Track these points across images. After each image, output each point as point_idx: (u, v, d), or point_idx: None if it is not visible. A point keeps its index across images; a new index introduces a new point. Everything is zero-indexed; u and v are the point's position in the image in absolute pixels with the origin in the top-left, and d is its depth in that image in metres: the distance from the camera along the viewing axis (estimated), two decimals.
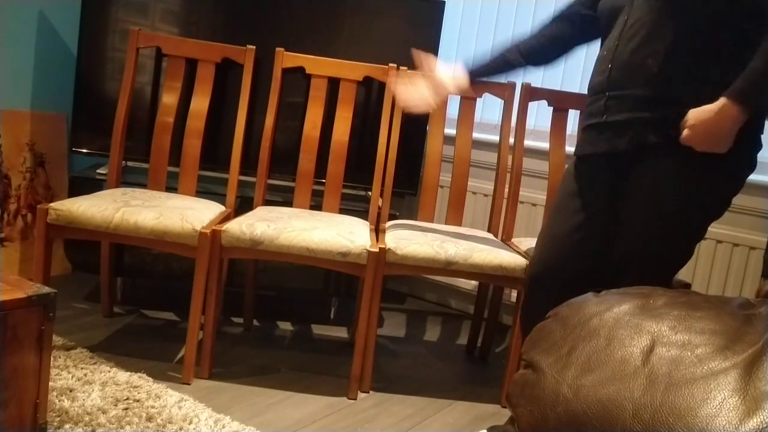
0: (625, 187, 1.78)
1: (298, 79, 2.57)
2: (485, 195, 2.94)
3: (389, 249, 2.13)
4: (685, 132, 1.62)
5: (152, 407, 1.89)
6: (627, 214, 1.77)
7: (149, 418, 1.83)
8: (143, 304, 2.73)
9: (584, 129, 1.90)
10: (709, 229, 2.50)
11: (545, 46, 2.02)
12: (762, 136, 1.71)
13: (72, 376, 2.00)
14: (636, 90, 1.71)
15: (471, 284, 2.98)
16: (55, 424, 1.74)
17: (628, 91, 1.73)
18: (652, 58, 1.67)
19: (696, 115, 1.60)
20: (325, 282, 2.69)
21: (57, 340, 2.23)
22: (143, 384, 2.02)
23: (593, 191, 1.86)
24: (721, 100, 1.56)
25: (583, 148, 1.89)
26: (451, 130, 2.68)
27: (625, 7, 1.77)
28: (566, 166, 1.99)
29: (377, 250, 2.11)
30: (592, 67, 1.91)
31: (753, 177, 2.46)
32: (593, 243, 1.86)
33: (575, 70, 2.84)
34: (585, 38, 2.03)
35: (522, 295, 2.08)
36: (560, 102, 2.60)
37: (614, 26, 1.81)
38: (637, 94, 1.71)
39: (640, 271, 1.73)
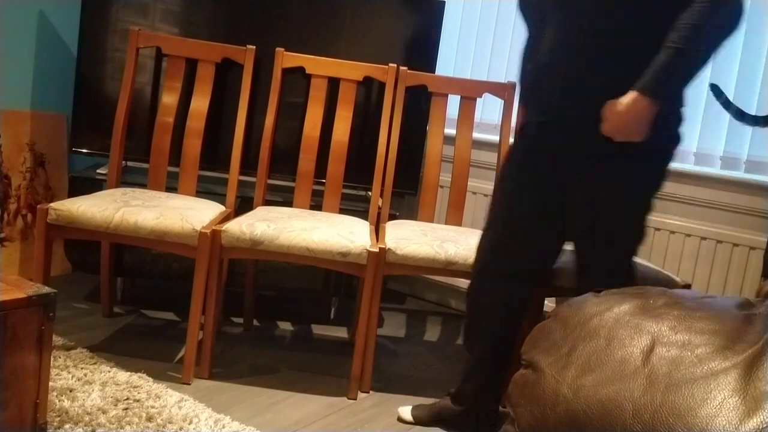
0: (569, 180, 1.81)
1: (298, 79, 2.57)
2: (485, 195, 2.94)
3: (389, 249, 2.13)
4: (604, 124, 1.69)
5: (152, 407, 1.89)
6: (575, 204, 1.81)
7: (149, 418, 1.83)
8: (143, 304, 2.72)
9: (525, 125, 1.93)
10: (708, 229, 2.51)
11: None
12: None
13: (72, 376, 2.00)
14: (561, 91, 1.77)
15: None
16: (55, 424, 1.74)
17: (555, 94, 1.78)
18: (574, 59, 1.73)
19: (611, 108, 1.67)
20: (325, 282, 2.69)
21: (57, 340, 2.23)
22: (143, 384, 2.02)
23: (541, 183, 1.89)
24: (632, 94, 1.63)
25: (531, 139, 1.91)
26: (451, 130, 2.68)
27: (546, 9, 1.81)
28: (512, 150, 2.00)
29: (377, 250, 2.10)
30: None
31: (753, 177, 2.47)
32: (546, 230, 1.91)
33: None
34: None
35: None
36: None
37: (537, 27, 1.86)
38: (563, 95, 1.76)
39: (597, 251, 1.80)
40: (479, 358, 1.98)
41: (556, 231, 1.88)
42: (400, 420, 2.05)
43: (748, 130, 2.50)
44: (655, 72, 1.62)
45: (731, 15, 1.60)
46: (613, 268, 1.80)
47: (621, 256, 1.81)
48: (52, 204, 2.07)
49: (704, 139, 2.59)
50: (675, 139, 1.78)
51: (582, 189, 1.78)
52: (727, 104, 2.33)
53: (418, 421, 2.04)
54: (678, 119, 1.77)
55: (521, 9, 1.99)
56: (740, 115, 2.33)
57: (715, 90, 2.36)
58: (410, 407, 2.07)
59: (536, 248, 1.91)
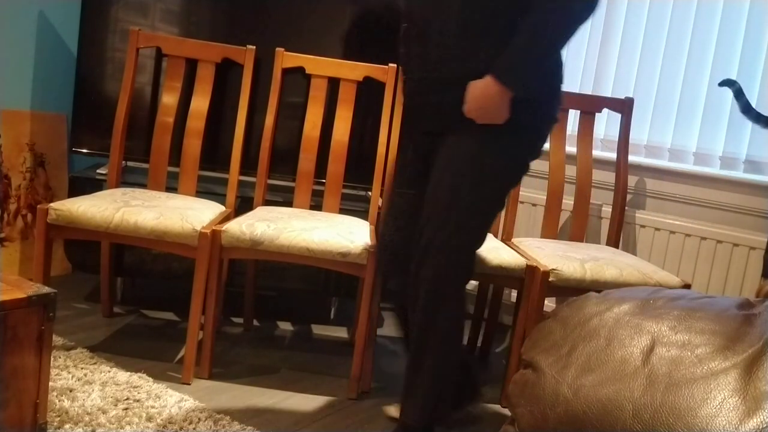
0: (432, 158, 1.82)
1: (298, 79, 2.57)
2: None
3: None
4: (465, 107, 1.72)
5: (152, 407, 1.89)
6: (432, 178, 1.80)
7: (149, 418, 1.83)
8: (143, 304, 2.72)
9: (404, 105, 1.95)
10: (708, 229, 2.51)
11: None
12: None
13: (72, 376, 2.00)
14: (430, 73, 1.78)
15: (471, 284, 2.98)
16: (55, 424, 1.74)
17: (424, 74, 1.80)
18: (436, 42, 1.75)
19: (470, 90, 1.70)
20: (325, 282, 2.69)
21: (57, 340, 2.23)
22: (143, 384, 2.02)
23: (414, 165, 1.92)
24: (487, 78, 1.67)
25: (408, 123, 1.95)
26: None
27: None
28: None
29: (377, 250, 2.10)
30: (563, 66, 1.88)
31: (753, 177, 2.47)
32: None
33: (575, 70, 2.84)
34: None
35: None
36: None
37: (408, 10, 1.84)
38: (432, 77, 1.78)
39: (436, 224, 1.75)
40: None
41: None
42: (389, 417, 2.04)
43: (747, 130, 2.50)
44: (508, 57, 1.66)
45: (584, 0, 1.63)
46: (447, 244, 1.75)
47: (457, 236, 1.75)
48: (52, 204, 2.07)
49: (704, 139, 2.59)
50: (546, 118, 1.80)
51: (439, 159, 1.79)
52: (739, 93, 2.33)
53: None
54: (550, 99, 1.78)
55: None
56: (747, 109, 2.33)
57: (728, 81, 2.36)
58: (394, 406, 2.05)
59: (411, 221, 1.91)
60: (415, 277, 1.78)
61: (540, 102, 1.76)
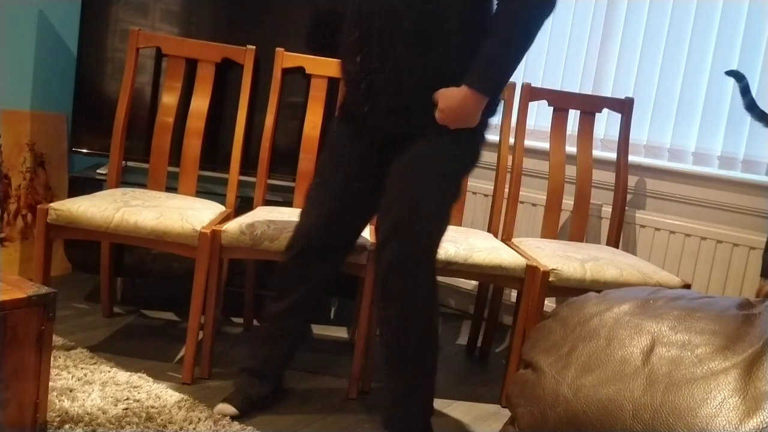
0: (388, 158, 1.83)
1: (298, 79, 2.57)
2: (485, 195, 2.94)
3: None
4: (438, 115, 1.74)
5: (152, 407, 1.89)
6: (389, 178, 1.82)
7: (149, 418, 1.83)
8: (143, 304, 2.73)
9: (344, 107, 1.93)
10: (708, 229, 2.51)
11: None
12: None
13: (72, 376, 2.00)
14: (387, 77, 1.76)
15: (471, 284, 2.98)
16: (55, 424, 1.74)
17: (381, 76, 1.77)
18: (398, 47, 1.73)
19: (444, 100, 1.72)
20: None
21: (57, 340, 2.23)
22: (143, 384, 2.02)
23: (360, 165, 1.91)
24: (463, 89, 1.70)
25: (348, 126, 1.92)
26: None
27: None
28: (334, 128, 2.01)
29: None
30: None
31: (753, 177, 2.47)
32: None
33: (575, 70, 2.84)
34: None
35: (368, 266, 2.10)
36: (560, 102, 2.60)
37: (359, 12, 1.80)
38: (390, 80, 1.77)
39: (396, 219, 1.77)
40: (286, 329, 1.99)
41: (366, 204, 1.92)
42: (221, 413, 1.92)
43: (745, 130, 2.50)
44: (482, 67, 1.70)
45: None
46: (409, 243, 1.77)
47: (417, 228, 1.77)
48: (52, 204, 2.07)
49: (703, 139, 2.59)
50: (493, 111, 1.85)
51: (397, 163, 1.80)
52: (746, 90, 2.32)
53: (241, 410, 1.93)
54: (490, 112, 1.84)
55: None
56: (751, 107, 2.32)
57: (736, 74, 2.34)
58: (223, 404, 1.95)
59: (345, 221, 1.94)
60: (387, 279, 1.80)
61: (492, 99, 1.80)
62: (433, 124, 1.75)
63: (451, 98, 1.71)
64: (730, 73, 2.36)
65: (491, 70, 1.70)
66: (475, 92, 1.70)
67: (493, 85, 1.73)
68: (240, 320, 2.66)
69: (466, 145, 1.83)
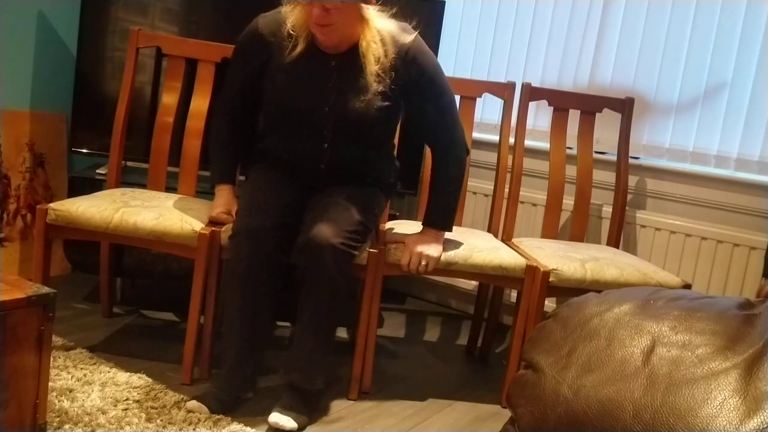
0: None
1: None
2: (485, 195, 2.94)
3: (389, 249, 2.13)
4: (408, 258, 2.10)
5: (152, 407, 1.89)
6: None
7: (149, 419, 1.83)
8: (143, 304, 2.72)
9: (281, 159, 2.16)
10: (709, 229, 2.51)
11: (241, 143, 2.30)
12: None
13: (72, 377, 2.00)
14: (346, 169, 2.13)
15: (471, 284, 2.98)
16: (55, 424, 1.74)
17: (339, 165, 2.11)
18: (355, 156, 2.12)
19: (418, 247, 2.10)
20: None
21: (57, 340, 2.23)
22: (143, 384, 2.02)
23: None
24: (433, 232, 2.14)
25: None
26: None
27: (317, 112, 2.04)
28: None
29: (377, 250, 2.10)
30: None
31: (753, 177, 2.47)
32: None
33: (575, 70, 2.84)
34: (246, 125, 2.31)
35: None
36: (560, 102, 2.60)
37: (306, 124, 2.06)
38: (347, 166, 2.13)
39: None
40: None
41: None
42: (190, 411, 1.90)
43: (742, 129, 2.49)
44: (445, 214, 2.16)
45: (465, 155, 2.21)
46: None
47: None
48: (51, 204, 2.07)
49: (701, 139, 2.59)
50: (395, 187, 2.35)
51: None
52: None
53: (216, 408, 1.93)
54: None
55: None
56: None
57: None
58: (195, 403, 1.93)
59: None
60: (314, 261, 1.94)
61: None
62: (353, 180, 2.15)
63: (423, 242, 2.12)
64: None
65: (451, 213, 2.18)
66: (441, 231, 2.16)
67: (453, 222, 2.19)
68: None
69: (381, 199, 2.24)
